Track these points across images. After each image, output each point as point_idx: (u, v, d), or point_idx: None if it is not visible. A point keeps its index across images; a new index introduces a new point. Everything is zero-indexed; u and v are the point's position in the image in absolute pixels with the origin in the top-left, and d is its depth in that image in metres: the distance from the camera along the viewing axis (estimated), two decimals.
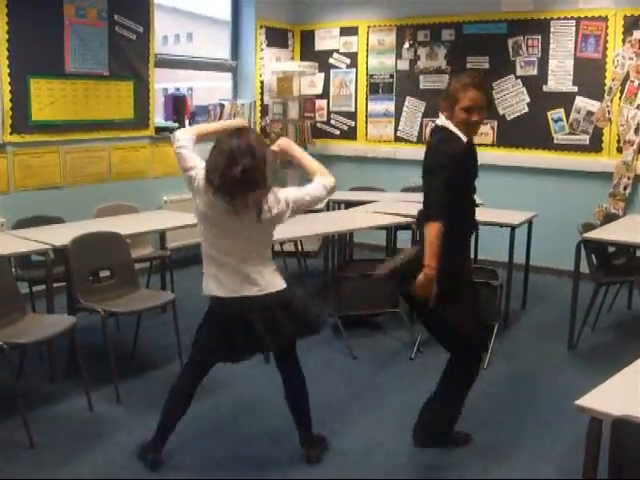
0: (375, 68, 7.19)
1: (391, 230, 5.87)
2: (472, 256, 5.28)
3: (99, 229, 4.12)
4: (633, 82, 5.84)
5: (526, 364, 4.25)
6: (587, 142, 6.12)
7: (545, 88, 6.26)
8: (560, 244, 5.29)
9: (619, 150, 5.96)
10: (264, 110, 7.27)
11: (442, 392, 3.14)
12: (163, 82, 6.94)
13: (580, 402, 1.98)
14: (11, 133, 5.13)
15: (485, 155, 5.64)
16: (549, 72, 6.22)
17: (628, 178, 5.92)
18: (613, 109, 5.96)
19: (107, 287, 3.99)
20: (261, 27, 7.19)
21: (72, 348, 3.74)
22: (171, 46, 8.64)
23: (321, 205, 5.13)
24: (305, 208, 2.95)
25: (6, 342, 3.08)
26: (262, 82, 7.25)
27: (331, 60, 7.42)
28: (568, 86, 6.14)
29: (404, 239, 5.34)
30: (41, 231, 4.29)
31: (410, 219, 4.52)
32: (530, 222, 5.09)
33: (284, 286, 2.89)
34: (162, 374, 3.91)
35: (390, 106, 7.13)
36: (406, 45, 6.95)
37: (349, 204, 5.67)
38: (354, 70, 7.31)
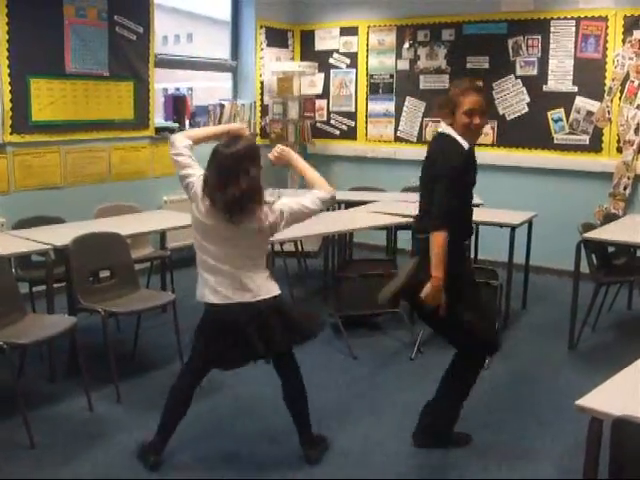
0: (375, 68, 7.19)
1: (391, 230, 5.87)
2: (472, 256, 5.32)
3: (99, 229, 4.12)
4: (633, 82, 5.84)
5: (526, 364, 4.25)
6: (587, 142, 6.12)
7: (545, 88, 6.26)
8: (560, 244, 5.29)
9: (619, 150, 5.96)
10: (264, 110, 7.27)
11: (444, 393, 3.15)
12: (163, 82, 6.94)
13: (580, 402, 1.98)
14: (11, 133, 5.13)
15: (485, 155, 5.67)
16: (549, 72, 6.21)
17: (628, 178, 5.92)
18: (613, 109, 5.96)
19: (107, 287, 3.98)
20: (261, 27, 7.19)
21: (72, 348, 3.75)
22: (171, 46, 8.62)
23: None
24: (300, 220, 2.96)
25: (6, 342, 3.08)
26: (262, 82, 7.25)
27: (331, 60, 7.42)
28: (568, 86, 6.14)
29: (404, 239, 5.32)
30: (41, 231, 4.29)
31: (410, 219, 4.51)
32: (530, 222, 5.09)
33: (278, 292, 2.91)
34: (162, 374, 3.91)
35: (390, 106, 7.13)
36: (406, 45, 6.95)
37: (349, 204, 5.66)
38: (354, 70, 7.31)
